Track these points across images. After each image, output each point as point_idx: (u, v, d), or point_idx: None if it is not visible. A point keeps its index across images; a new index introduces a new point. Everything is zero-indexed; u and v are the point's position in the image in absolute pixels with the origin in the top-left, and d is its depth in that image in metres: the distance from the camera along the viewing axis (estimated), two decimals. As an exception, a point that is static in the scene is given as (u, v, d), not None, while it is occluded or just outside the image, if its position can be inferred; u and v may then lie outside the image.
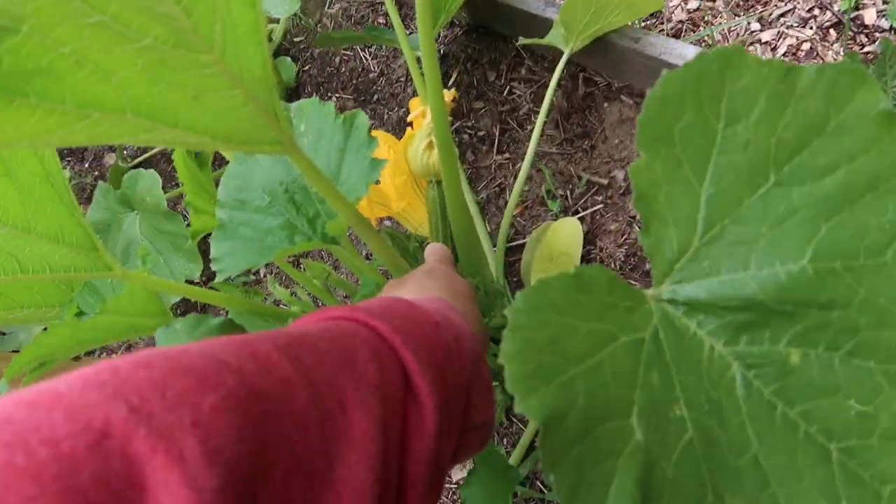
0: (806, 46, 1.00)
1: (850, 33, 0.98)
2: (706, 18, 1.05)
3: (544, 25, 1.03)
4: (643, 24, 1.08)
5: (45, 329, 0.59)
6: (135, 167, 1.43)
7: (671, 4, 1.08)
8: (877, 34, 0.97)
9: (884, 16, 1.00)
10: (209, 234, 0.71)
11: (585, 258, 0.96)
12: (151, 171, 1.09)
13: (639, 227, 0.96)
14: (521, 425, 0.96)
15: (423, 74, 0.70)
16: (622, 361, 0.40)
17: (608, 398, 0.39)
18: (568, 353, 0.39)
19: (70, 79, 0.35)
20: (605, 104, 1.05)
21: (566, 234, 0.92)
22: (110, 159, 1.60)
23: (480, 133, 1.16)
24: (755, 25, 1.03)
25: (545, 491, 0.91)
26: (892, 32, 0.96)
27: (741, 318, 0.43)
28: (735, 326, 0.43)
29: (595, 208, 1.00)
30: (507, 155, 1.13)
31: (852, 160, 0.41)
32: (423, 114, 0.86)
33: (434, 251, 0.68)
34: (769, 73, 0.41)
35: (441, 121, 0.69)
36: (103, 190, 1.15)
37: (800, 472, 0.40)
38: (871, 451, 0.41)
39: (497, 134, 1.15)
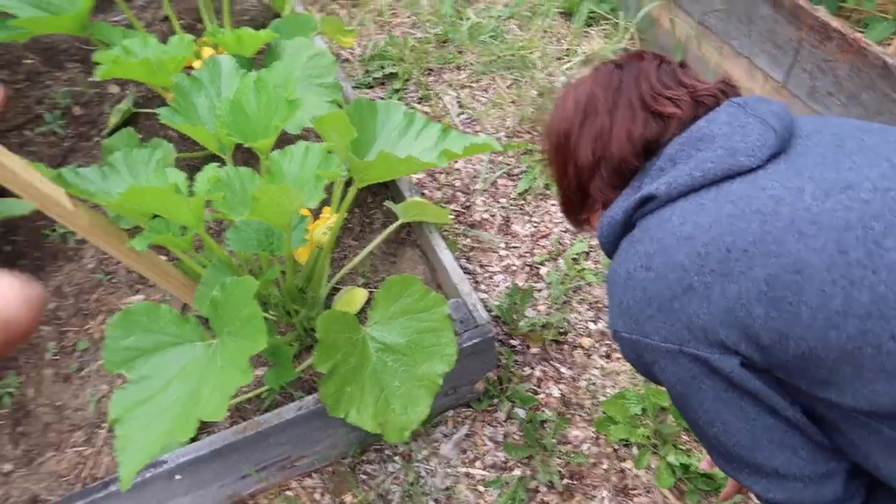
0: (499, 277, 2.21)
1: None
2: (478, 239, 2.24)
3: (402, 198, 2.15)
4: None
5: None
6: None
7: (479, 206, 2.26)
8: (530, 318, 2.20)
9: (532, 309, 2.24)
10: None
11: (362, 307, 2.05)
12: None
13: (389, 307, 2.06)
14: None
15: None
16: (351, 346, 1.50)
17: (344, 356, 1.48)
18: (338, 346, 1.47)
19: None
20: (408, 248, 2.18)
21: (360, 294, 2.00)
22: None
23: (349, 226, 2.24)
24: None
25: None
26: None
27: (381, 346, 1.54)
28: (376, 348, 1.54)
29: (376, 290, 2.10)
30: (355, 244, 2.21)
31: (427, 320, 1.55)
32: (329, 216, 1.91)
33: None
34: (434, 300, 1.54)
35: (336, 228, 1.74)
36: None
37: (373, 380, 1.51)
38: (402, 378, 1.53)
39: (358, 230, 2.23)
